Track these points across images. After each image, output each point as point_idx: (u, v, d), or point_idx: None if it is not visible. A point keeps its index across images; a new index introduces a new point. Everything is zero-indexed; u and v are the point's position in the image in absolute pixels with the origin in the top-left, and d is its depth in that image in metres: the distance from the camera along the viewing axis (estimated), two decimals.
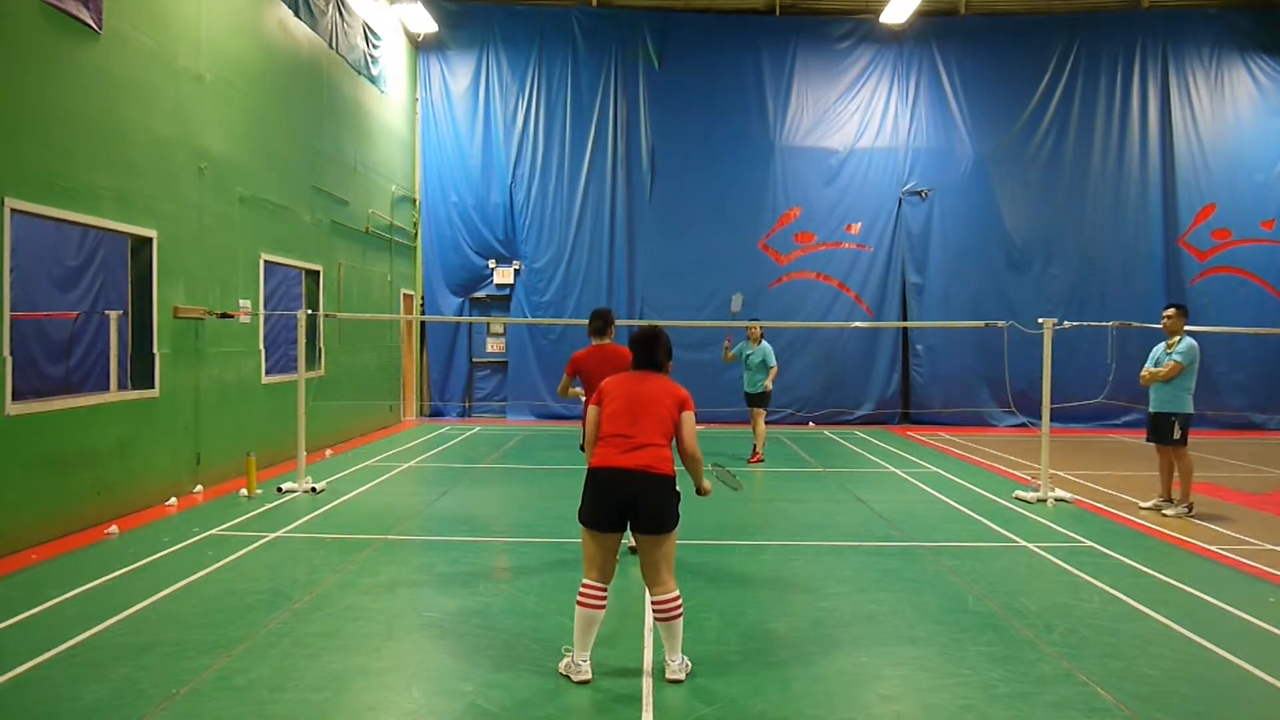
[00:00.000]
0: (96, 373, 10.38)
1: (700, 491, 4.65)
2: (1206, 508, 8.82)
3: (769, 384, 11.84)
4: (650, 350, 4.63)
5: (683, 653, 4.41)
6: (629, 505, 4.25)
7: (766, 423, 12.44)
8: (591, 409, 4.58)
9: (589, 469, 4.40)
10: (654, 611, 4.37)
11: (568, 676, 4.37)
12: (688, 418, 4.42)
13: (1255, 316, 16.54)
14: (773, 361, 11.85)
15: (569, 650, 4.41)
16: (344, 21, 13.38)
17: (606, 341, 6.54)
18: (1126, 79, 17.23)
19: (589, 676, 4.33)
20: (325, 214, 12.77)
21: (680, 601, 4.31)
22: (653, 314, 17.01)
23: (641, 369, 4.61)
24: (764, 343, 11.95)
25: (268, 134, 10.99)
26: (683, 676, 4.34)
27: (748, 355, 11.98)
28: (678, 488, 4.36)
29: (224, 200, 9.86)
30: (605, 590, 4.35)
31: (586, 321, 6.66)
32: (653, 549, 4.30)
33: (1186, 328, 8.64)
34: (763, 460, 11.79)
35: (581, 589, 4.33)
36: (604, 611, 4.37)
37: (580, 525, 4.38)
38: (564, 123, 17.27)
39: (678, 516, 4.34)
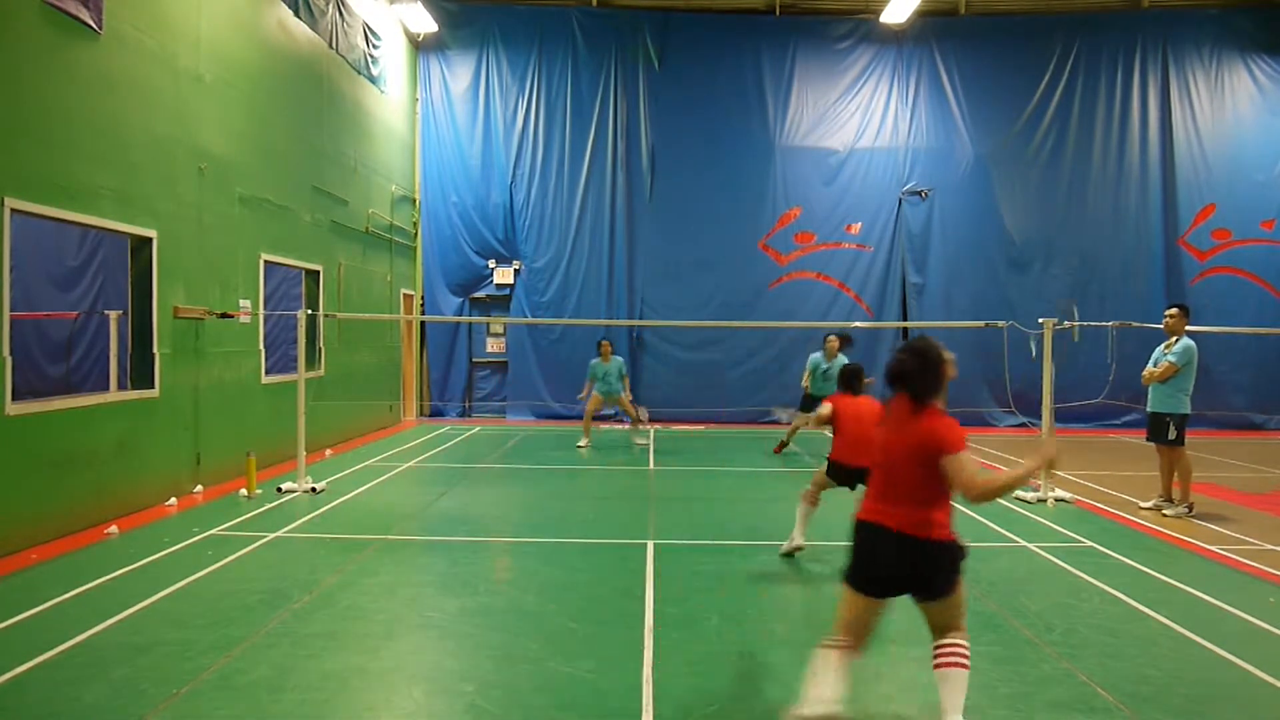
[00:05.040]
0: (96, 373, 10.39)
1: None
2: (1206, 508, 8.82)
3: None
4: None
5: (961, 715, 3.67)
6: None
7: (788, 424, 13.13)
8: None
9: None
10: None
11: None
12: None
13: (1255, 316, 16.54)
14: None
15: None
16: (344, 21, 13.38)
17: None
18: (1126, 79, 17.22)
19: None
20: (325, 214, 12.77)
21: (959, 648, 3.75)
22: (652, 314, 17.03)
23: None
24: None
25: (268, 134, 10.99)
26: None
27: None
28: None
29: (224, 200, 9.86)
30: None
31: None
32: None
33: (1187, 328, 8.64)
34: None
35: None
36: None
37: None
38: (564, 123, 17.26)
39: None
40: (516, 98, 17.28)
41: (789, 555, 6.82)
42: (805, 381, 12.54)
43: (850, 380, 6.77)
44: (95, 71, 7.67)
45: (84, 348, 10.99)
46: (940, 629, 3.74)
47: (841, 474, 6.66)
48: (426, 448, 13.09)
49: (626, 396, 13.29)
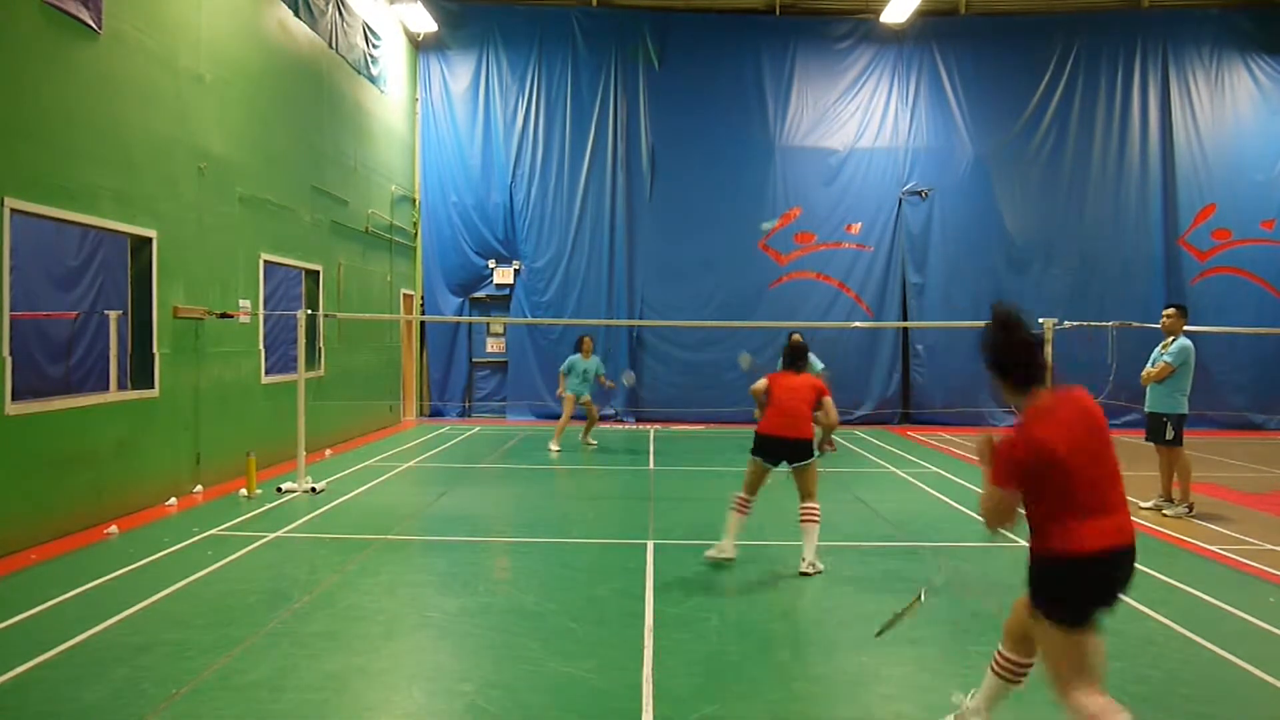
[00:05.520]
0: (96, 373, 10.38)
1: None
2: (1206, 508, 8.82)
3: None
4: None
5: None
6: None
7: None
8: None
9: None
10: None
11: None
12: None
13: (1255, 316, 16.54)
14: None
15: None
16: (344, 21, 13.38)
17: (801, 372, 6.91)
18: (1126, 79, 17.23)
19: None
20: (325, 214, 12.77)
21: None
22: (653, 314, 17.03)
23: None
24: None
25: (268, 134, 10.99)
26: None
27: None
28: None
29: (224, 200, 9.86)
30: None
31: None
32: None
33: (1186, 328, 8.64)
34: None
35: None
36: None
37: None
38: (564, 123, 17.27)
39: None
40: (516, 98, 17.29)
41: (716, 563, 6.55)
42: None
43: (793, 359, 6.81)
44: (95, 71, 7.66)
45: (84, 348, 10.99)
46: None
47: (770, 447, 6.47)
48: (426, 448, 13.09)
49: (594, 394, 13.12)
